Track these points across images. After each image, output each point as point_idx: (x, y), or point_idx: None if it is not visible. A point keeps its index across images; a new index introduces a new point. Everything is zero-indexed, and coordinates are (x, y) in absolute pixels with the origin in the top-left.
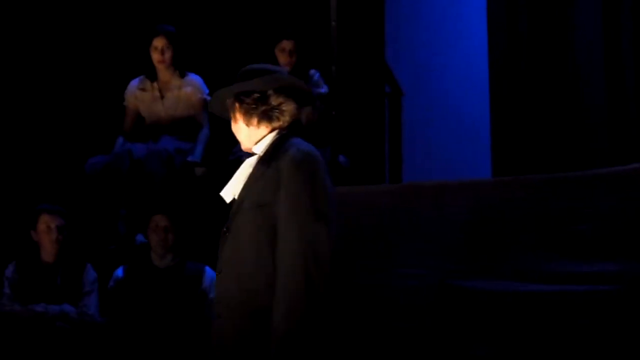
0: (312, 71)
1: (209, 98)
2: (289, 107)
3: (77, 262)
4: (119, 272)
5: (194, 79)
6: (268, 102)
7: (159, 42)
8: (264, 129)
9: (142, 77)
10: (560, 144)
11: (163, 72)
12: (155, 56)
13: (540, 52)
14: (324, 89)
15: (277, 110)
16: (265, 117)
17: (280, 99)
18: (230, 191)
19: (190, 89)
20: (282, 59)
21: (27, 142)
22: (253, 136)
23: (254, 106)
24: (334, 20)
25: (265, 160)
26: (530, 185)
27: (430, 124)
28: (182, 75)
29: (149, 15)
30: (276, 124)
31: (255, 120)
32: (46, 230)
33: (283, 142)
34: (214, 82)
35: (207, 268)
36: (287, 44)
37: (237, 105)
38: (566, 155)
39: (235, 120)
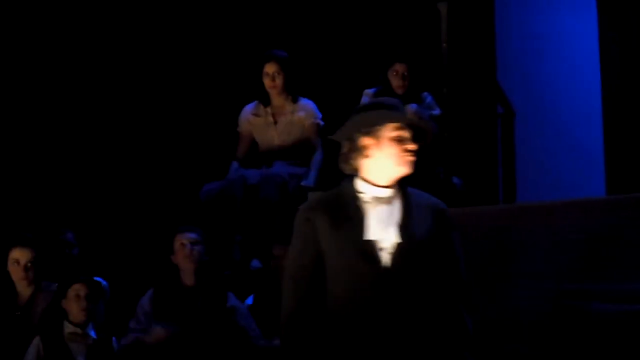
0: (425, 94)
1: (322, 123)
2: None
3: (218, 287)
4: (250, 300)
5: (307, 103)
6: None
7: (270, 68)
8: None
9: (255, 102)
10: None
11: (276, 98)
12: (267, 82)
13: None
14: (437, 111)
15: None
16: None
17: None
18: (377, 233)
19: (303, 113)
20: (395, 82)
21: (147, 170)
22: None
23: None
24: (444, 42)
25: (408, 205)
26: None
27: (543, 143)
28: (295, 100)
29: (263, 40)
30: None
31: None
32: (180, 248)
33: (404, 187)
34: (327, 106)
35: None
36: (399, 67)
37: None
38: None
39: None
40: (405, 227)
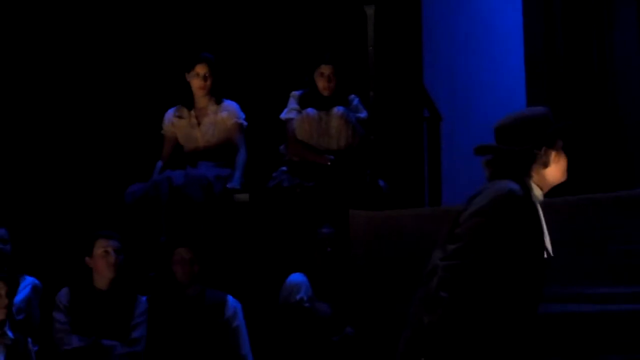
0: (352, 96)
1: (245, 123)
2: None
3: (129, 291)
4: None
5: (230, 104)
6: None
7: (201, 69)
8: None
9: (178, 105)
10: (599, 164)
11: (200, 99)
12: (198, 83)
13: (578, 74)
14: (363, 114)
15: None
16: None
17: None
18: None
19: (226, 114)
20: (321, 83)
21: (67, 172)
22: None
23: None
24: (371, 45)
25: None
26: (568, 206)
27: (469, 147)
28: (218, 102)
29: (184, 44)
30: None
31: None
32: (103, 254)
33: None
34: (252, 108)
35: (230, 297)
36: (326, 69)
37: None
38: (606, 177)
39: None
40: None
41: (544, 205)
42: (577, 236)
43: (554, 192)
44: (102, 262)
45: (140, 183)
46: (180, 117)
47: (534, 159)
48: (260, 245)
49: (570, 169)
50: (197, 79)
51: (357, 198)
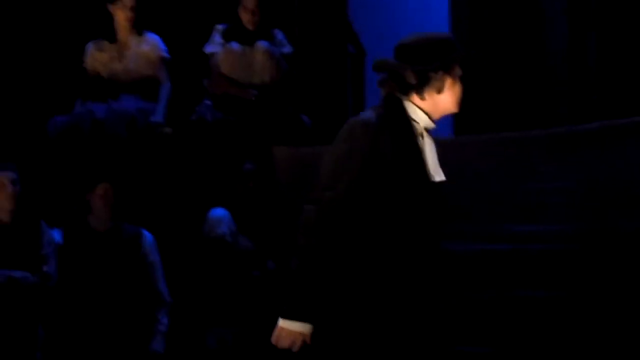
0: (276, 31)
1: (168, 56)
2: None
3: (32, 221)
4: (57, 235)
5: (152, 37)
6: None
7: (130, 1)
8: None
9: (99, 38)
10: (521, 103)
11: (123, 32)
12: (124, 14)
13: (503, 5)
14: (287, 49)
15: None
16: None
17: None
18: (433, 172)
19: (148, 47)
20: (245, 17)
21: None
22: None
23: None
24: None
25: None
26: (490, 144)
27: None
28: (140, 34)
29: None
30: None
31: None
32: (1, 187)
33: None
34: (172, 40)
35: (144, 231)
36: (249, 2)
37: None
38: (527, 114)
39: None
40: (441, 165)
41: (470, 141)
42: (497, 174)
43: (480, 129)
44: (2, 194)
45: (62, 115)
46: (101, 50)
47: (427, 81)
48: (182, 180)
49: (496, 107)
50: (124, 11)
51: (280, 133)
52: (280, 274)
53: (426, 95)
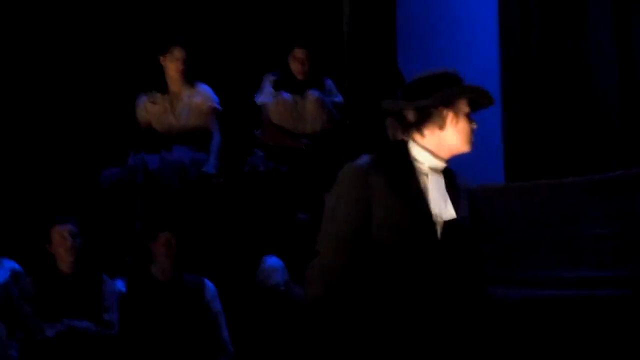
0: (326, 79)
1: (219, 107)
2: None
3: (93, 272)
4: (120, 285)
5: (204, 88)
6: None
7: (179, 53)
8: None
9: (152, 90)
10: (573, 149)
11: (174, 83)
12: (175, 66)
13: (552, 56)
14: (338, 98)
15: None
16: None
17: None
18: (439, 208)
19: (200, 98)
20: (295, 67)
21: (43, 156)
22: None
23: None
24: (345, 30)
25: (451, 179)
26: (543, 190)
27: None
28: (192, 86)
29: (156, 27)
30: None
31: None
32: (60, 240)
33: None
34: (224, 91)
35: (207, 280)
36: (299, 52)
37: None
38: (579, 160)
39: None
40: (456, 203)
41: (521, 187)
42: (548, 220)
43: (532, 175)
44: (60, 247)
45: (115, 167)
46: (153, 102)
47: (426, 117)
48: (236, 230)
49: (547, 153)
50: (175, 63)
51: (332, 183)
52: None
53: (427, 132)
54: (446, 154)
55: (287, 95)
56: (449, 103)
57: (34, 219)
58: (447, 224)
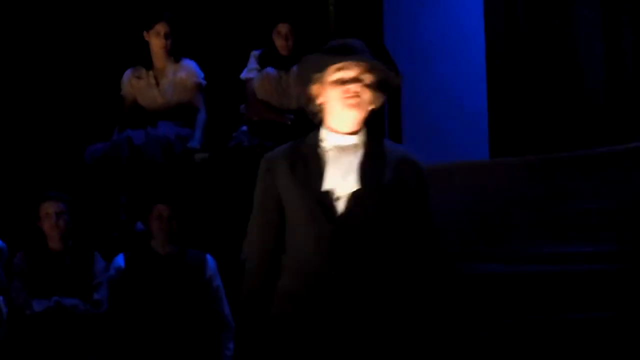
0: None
1: (204, 82)
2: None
3: (85, 250)
4: (120, 260)
5: (189, 63)
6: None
7: (162, 28)
8: (363, 119)
9: (136, 66)
10: (559, 124)
11: (159, 59)
12: (158, 42)
13: (538, 31)
14: None
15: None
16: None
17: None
18: (334, 183)
19: (184, 73)
20: (279, 42)
21: (26, 133)
22: (360, 122)
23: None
24: (331, 4)
25: (373, 154)
26: (529, 165)
27: (429, 106)
28: (177, 61)
29: (141, 2)
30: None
31: (369, 106)
32: (46, 217)
33: (375, 137)
34: (209, 67)
35: (209, 256)
36: (282, 27)
37: (377, 81)
38: (564, 136)
39: (368, 96)
40: (365, 174)
41: (506, 165)
42: (535, 196)
43: (517, 151)
44: (46, 224)
45: (100, 143)
46: (138, 77)
47: (306, 99)
48: (219, 206)
49: (532, 128)
50: (158, 38)
51: None
52: None
53: (315, 112)
54: (346, 127)
55: (272, 71)
56: (311, 80)
57: (26, 195)
58: (352, 197)
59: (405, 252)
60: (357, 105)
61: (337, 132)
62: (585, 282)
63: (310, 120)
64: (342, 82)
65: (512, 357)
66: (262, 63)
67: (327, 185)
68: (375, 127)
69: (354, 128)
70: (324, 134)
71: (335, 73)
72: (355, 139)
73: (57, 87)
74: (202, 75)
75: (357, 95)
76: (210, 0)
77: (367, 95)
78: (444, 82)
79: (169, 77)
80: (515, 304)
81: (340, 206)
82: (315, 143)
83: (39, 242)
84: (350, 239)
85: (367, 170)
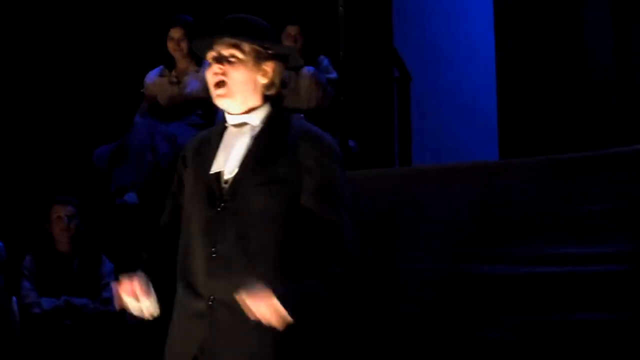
0: (321, 57)
1: None
2: (282, 76)
3: (92, 252)
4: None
5: (208, 64)
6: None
7: (175, 33)
8: (258, 96)
9: (161, 67)
10: (568, 125)
11: (180, 61)
12: (171, 46)
13: (547, 33)
14: (333, 75)
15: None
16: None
17: (277, 65)
18: (220, 165)
19: (204, 72)
20: (288, 44)
21: (37, 136)
22: (249, 101)
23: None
24: (341, 5)
25: (267, 134)
26: (538, 166)
27: (439, 107)
28: (199, 64)
29: (165, 5)
30: (270, 93)
31: (255, 83)
32: (57, 220)
33: (282, 117)
34: None
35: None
36: (292, 30)
37: (252, 55)
38: (573, 137)
39: (239, 74)
40: (248, 156)
41: (515, 166)
42: (545, 196)
43: (526, 152)
44: (57, 228)
45: (107, 145)
46: (162, 76)
47: None
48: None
49: (541, 129)
50: (171, 42)
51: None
52: None
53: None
54: (221, 106)
55: None
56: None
57: (35, 199)
58: (233, 180)
59: (299, 243)
60: (222, 95)
61: (229, 112)
62: (595, 283)
63: (319, 121)
64: (210, 64)
65: (521, 359)
66: None
67: (213, 168)
68: (384, 128)
69: (239, 110)
70: (225, 114)
71: (208, 54)
72: (247, 118)
73: (66, 90)
74: None
75: (221, 75)
76: (223, 3)
77: (238, 72)
78: (453, 82)
79: (190, 75)
80: (524, 305)
81: (225, 190)
82: (221, 125)
83: (47, 244)
84: (227, 226)
85: (252, 152)
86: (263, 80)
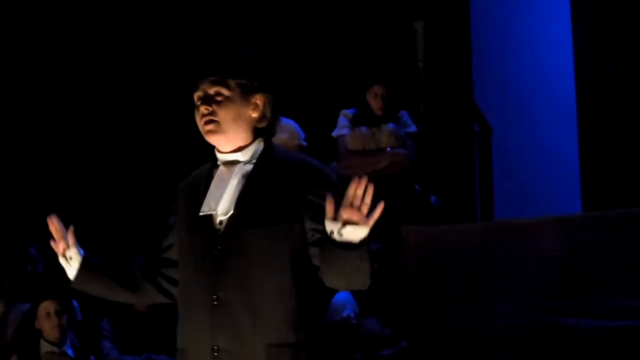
0: (402, 112)
1: (305, 143)
2: (272, 106)
3: (168, 312)
4: None
5: (289, 123)
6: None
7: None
8: (250, 131)
9: None
10: None
11: None
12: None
13: (629, 83)
14: (412, 128)
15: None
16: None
17: (266, 97)
18: (210, 206)
19: (286, 135)
20: (374, 103)
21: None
22: (240, 138)
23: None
24: (421, 61)
25: (260, 172)
26: (622, 219)
27: (520, 161)
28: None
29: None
30: (262, 126)
31: (246, 118)
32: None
33: (274, 152)
34: (307, 127)
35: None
36: (378, 89)
37: (238, 91)
38: None
39: (228, 112)
40: (245, 196)
41: (599, 219)
42: (629, 249)
43: (607, 206)
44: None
45: None
46: None
47: None
48: None
49: (624, 182)
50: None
51: (407, 213)
52: (413, 353)
53: None
54: (220, 145)
55: (364, 129)
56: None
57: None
58: (229, 221)
59: (304, 284)
60: (213, 131)
61: (219, 151)
62: None
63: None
64: (197, 105)
65: None
66: (355, 122)
67: (203, 209)
68: (465, 182)
69: (230, 147)
70: (216, 152)
71: (194, 95)
72: (239, 156)
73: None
74: (304, 136)
75: (209, 114)
76: (307, 62)
77: (226, 111)
78: (534, 135)
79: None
80: (610, 359)
81: (221, 233)
82: (213, 164)
83: (125, 306)
84: (227, 269)
85: (246, 191)
86: (254, 114)
